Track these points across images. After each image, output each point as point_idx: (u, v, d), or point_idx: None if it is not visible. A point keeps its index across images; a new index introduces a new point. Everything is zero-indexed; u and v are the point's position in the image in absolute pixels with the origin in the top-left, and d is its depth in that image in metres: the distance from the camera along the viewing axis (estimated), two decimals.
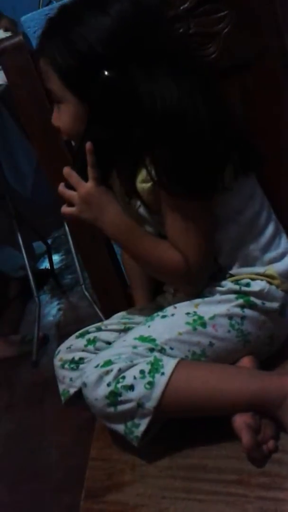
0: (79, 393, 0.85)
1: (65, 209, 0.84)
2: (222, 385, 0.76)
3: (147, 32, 0.77)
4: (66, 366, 0.88)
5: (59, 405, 0.90)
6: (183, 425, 0.78)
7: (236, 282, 0.83)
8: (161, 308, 0.91)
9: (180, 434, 0.79)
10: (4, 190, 1.97)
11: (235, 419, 0.74)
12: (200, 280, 0.84)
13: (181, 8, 0.87)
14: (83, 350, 0.89)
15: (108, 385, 0.75)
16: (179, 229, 0.80)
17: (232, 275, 0.84)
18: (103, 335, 0.91)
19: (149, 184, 0.79)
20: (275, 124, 0.91)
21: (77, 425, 1.43)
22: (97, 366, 0.77)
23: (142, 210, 0.85)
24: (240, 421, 0.73)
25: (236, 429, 0.73)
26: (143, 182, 0.80)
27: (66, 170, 0.82)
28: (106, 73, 0.74)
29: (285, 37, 0.87)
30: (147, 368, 0.75)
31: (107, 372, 0.76)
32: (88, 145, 0.78)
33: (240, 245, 0.84)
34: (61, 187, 0.83)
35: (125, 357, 0.77)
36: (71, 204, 0.83)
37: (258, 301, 0.82)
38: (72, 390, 0.87)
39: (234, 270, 0.85)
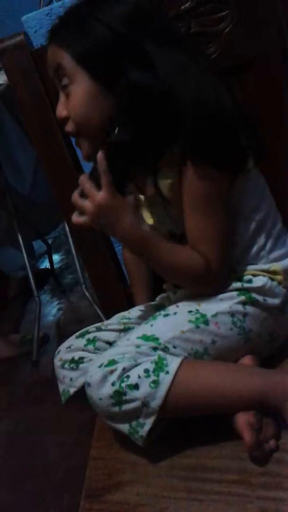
0: (79, 393, 0.85)
1: (76, 219, 0.82)
2: (226, 382, 0.76)
3: (160, 19, 0.80)
4: (66, 365, 0.88)
5: (59, 404, 0.90)
6: (183, 425, 0.78)
7: (239, 278, 0.84)
8: (161, 307, 0.92)
9: (180, 433, 0.79)
10: (3, 188, 1.97)
11: (237, 418, 0.74)
12: (220, 281, 0.83)
13: (182, 7, 0.87)
14: (83, 350, 0.89)
15: (113, 384, 0.75)
16: (201, 230, 0.80)
17: (235, 272, 0.85)
18: (103, 335, 0.91)
19: (170, 180, 0.79)
20: (275, 124, 0.91)
21: (77, 424, 1.43)
22: (101, 366, 0.77)
23: (159, 204, 0.85)
24: (242, 420, 0.73)
25: (238, 428, 0.73)
26: (165, 179, 0.80)
27: (82, 178, 0.80)
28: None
29: (287, 36, 0.87)
30: (151, 367, 0.75)
31: (111, 372, 0.75)
32: (100, 154, 0.76)
33: (249, 245, 0.85)
34: (75, 196, 0.81)
35: (129, 356, 0.77)
36: (82, 213, 0.81)
37: (259, 297, 0.82)
38: (72, 390, 0.87)
39: (238, 268, 0.85)
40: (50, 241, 2.61)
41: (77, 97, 0.80)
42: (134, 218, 0.80)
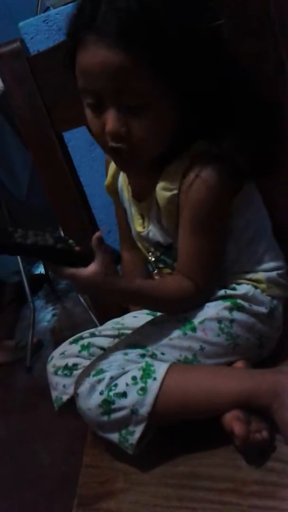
0: (72, 400, 0.84)
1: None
2: (214, 385, 0.76)
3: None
4: (59, 372, 0.88)
5: (53, 411, 0.89)
6: (176, 433, 0.78)
7: (223, 287, 0.84)
8: (155, 314, 0.92)
9: (173, 442, 0.79)
10: None
11: (225, 416, 0.74)
12: (207, 297, 0.84)
13: None
14: (77, 356, 0.88)
15: (101, 393, 0.75)
16: (192, 254, 0.81)
17: (219, 282, 0.85)
18: (97, 341, 0.91)
19: (170, 193, 0.79)
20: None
21: (70, 431, 1.42)
22: (89, 375, 0.77)
23: (153, 213, 0.85)
24: (230, 416, 0.73)
25: (227, 425, 0.73)
26: (164, 190, 0.79)
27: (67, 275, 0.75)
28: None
29: (282, 45, 0.87)
30: (139, 374, 0.75)
31: (99, 381, 0.75)
32: (97, 234, 0.76)
33: (237, 260, 0.85)
34: (54, 271, 0.76)
35: (116, 364, 0.77)
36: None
37: (245, 303, 0.83)
38: (65, 397, 0.87)
39: (222, 277, 0.85)
40: None
41: (150, 126, 0.72)
42: (121, 280, 0.79)
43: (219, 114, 0.74)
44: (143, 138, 0.73)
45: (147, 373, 0.75)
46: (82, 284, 0.76)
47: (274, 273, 0.86)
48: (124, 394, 0.74)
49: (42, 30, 1.33)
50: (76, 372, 0.86)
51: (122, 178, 0.92)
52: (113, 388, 0.75)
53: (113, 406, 0.74)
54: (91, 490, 0.79)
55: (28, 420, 1.66)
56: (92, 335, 0.92)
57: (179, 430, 0.77)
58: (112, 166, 0.93)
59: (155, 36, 0.65)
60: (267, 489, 0.70)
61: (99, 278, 0.75)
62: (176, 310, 0.84)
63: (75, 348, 0.90)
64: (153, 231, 0.87)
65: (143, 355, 0.78)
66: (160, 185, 0.79)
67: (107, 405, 0.74)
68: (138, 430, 0.75)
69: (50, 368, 0.90)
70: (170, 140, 0.76)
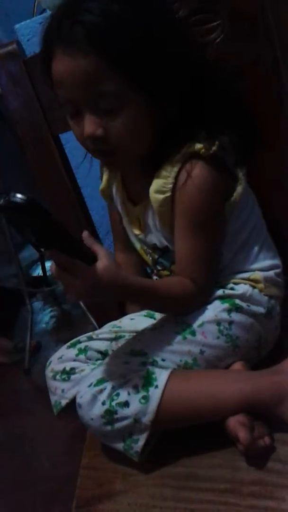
0: (71, 404, 0.84)
1: (70, 296, 0.72)
2: (215, 391, 0.76)
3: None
4: (58, 377, 0.87)
5: (51, 413, 0.89)
6: (174, 434, 0.78)
7: (220, 287, 0.84)
8: (152, 316, 0.92)
9: (171, 443, 0.78)
10: None
11: (228, 421, 0.74)
12: (207, 297, 0.84)
13: None
14: (74, 360, 0.88)
15: (103, 403, 0.75)
16: (191, 253, 0.81)
17: (217, 282, 0.85)
18: (95, 344, 0.91)
19: (163, 196, 0.79)
20: (268, 131, 0.91)
21: (68, 433, 1.42)
22: (90, 385, 0.76)
23: (148, 216, 0.85)
24: (234, 421, 0.73)
25: (231, 430, 0.73)
26: (157, 193, 0.79)
27: (66, 261, 0.69)
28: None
29: (277, 45, 0.88)
30: (140, 382, 0.75)
31: (101, 391, 0.75)
32: (86, 233, 0.72)
33: (233, 260, 0.85)
34: (56, 272, 0.71)
35: (118, 373, 0.77)
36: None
37: (243, 304, 0.83)
38: (64, 402, 0.87)
39: (220, 278, 0.85)
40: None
41: (127, 125, 0.73)
42: (125, 275, 0.74)
43: (195, 113, 0.76)
44: (121, 139, 0.74)
45: (148, 381, 0.75)
46: (93, 281, 0.69)
47: (271, 272, 0.87)
48: (126, 404, 0.74)
49: (39, 32, 1.32)
50: (74, 376, 0.86)
51: (117, 183, 0.92)
52: (115, 397, 0.74)
53: (116, 416, 0.74)
54: (90, 492, 0.79)
55: (26, 422, 1.66)
56: (90, 338, 0.92)
57: (177, 431, 0.77)
58: (107, 171, 0.94)
59: (117, 39, 0.68)
60: (266, 489, 0.70)
61: (113, 273, 0.71)
62: (181, 310, 0.83)
63: (73, 352, 0.90)
64: (149, 234, 0.87)
65: (144, 363, 0.78)
66: (153, 188, 0.79)
67: (109, 415, 0.74)
68: (142, 438, 0.75)
69: (48, 373, 0.89)
70: (152, 139, 0.77)
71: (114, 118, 0.73)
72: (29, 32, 1.34)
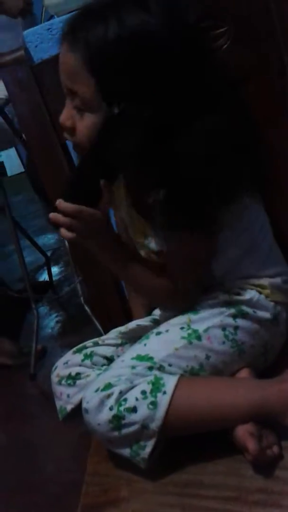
0: (76, 409, 0.84)
1: (66, 233, 0.77)
2: (224, 398, 0.76)
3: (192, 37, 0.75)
4: (63, 382, 0.88)
5: (56, 419, 0.89)
6: (179, 441, 0.77)
7: (227, 292, 0.84)
8: (158, 322, 0.92)
9: (176, 450, 0.78)
10: (3, 202, 1.97)
11: (237, 430, 0.73)
12: (185, 302, 0.85)
13: None
14: (80, 365, 0.88)
15: (110, 409, 0.74)
16: (175, 255, 0.82)
17: (223, 286, 0.85)
18: (100, 350, 0.91)
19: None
20: (273, 136, 0.92)
21: (74, 439, 1.41)
22: (97, 390, 0.76)
23: (151, 223, 0.85)
24: (242, 431, 0.73)
25: (240, 440, 0.73)
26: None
27: (72, 208, 0.75)
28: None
29: (283, 50, 0.88)
30: (148, 388, 0.75)
31: (108, 396, 0.75)
32: (104, 183, 0.75)
33: (238, 265, 0.85)
34: (54, 216, 0.77)
35: (124, 378, 0.76)
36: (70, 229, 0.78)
37: (249, 310, 0.83)
38: (69, 407, 0.87)
39: (226, 282, 0.86)
40: (49, 253, 2.61)
41: (88, 128, 0.76)
42: (120, 238, 0.84)
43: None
44: (81, 138, 0.78)
45: (156, 386, 0.75)
46: (99, 223, 0.77)
47: (278, 279, 0.86)
48: (134, 409, 0.74)
49: (46, 39, 1.33)
50: (79, 382, 0.86)
51: (122, 190, 0.92)
52: (122, 403, 0.74)
53: (123, 422, 0.74)
54: (95, 499, 0.79)
55: (32, 427, 1.66)
56: (96, 344, 0.92)
57: (182, 438, 0.77)
58: None
59: (104, 54, 0.71)
60: (271, 497, 0.69)
61: (104, 224, 0.78)
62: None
63: (79, 357, 0.90)
64: (152, 240, 0.87)
65: (150, 368, 0.78)
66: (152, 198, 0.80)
67: (117, 421, 0.74)
68: (149, 445, 0.74)
69: (54, 378, 0.89)
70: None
71: (81, 117, 0.77)
72: (37, 39, 1.35)
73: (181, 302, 0.84)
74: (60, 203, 0.76)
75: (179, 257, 0.82)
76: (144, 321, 0.97)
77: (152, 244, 0.87)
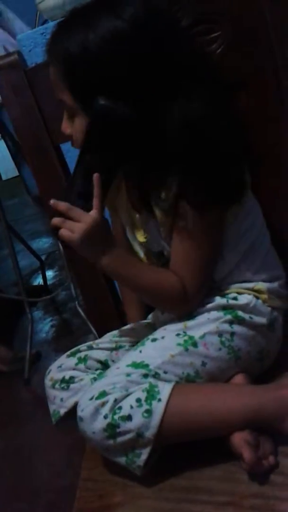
0: (70, 413, 0.84)
1: (65, 232, 0.78)
2: (219, 405, 0.75)
3: (164, 37, 0.75)
4: (57, 386, 0.87)
5: (50, 423, 0.89)
6: (174, 447, 0.77)
7: (224, 296, 0.84)
8: (152, 326, 0.91)
9: (171, 455, 0.78)
10: None
11: (233, 438, 0.73)
12: (194, 305, 0.84)
13: None
14: (73, 369, 0.88)
15: (105, 417, 0.74)
16: (183, 256, 0.81)
17: (220, 290, 0.85)
18: (94, 354, 0.90)
19: (165, 207, 0.79)
20: (269, 141, 0.92)
21: (68, 444, 1.41)
22: (91, 398, 0.76)
23: (152, 224, 0.85)
24: (239, 438, 0.72)
25: (236, 448, 0.72)
26: (159, 204, 0.80)
27: (64, 206, 0.78)
28: (102, 102, 0.74)
29: (278, 55, 0.88)
30: (143, 395, 0.74)
31: (103, 404, 0.74)
32: (96, 176, 0.77)
33: (236, 268, 0.85)
34: (56, 220, 0.78)
35: (119, 386, 0.76)
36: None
37: (245, 316, 0.82)
38: (62, 411, 0.86)
39: (223, 286, 0.85)
40: (43, 257, 2.61)
41: (78, 131, 0.80)
42: (118, 241, 0.84)
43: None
44: (78, 144, 0.80)
45: (151, 394, 0.74)
46: (94, 224, 0.77)
47: (275, 284, 0.86)
48: (129, 417, 0.73)
49: (40, 43, 1.33)
50: (73, 386, 0.86)
51: (121, 191, 0.92)
52: (117, 411, 0.74)
53: (118, 430, 0.73)
54: (89, 504, 0.78)
55: (26, 432, 1.65)
56: (90, 348, 0.92)
57: (177, 444, 0.76)
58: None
59: (79, 68, 0.75)
60: (267, 502, 0.69)
61: (100, 220, 0.78)
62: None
63: (72, 361, 0.89)
64: (153, 242, 0.87)
65: (145, 375, 0.77)
66: (159, 199, 0.80)
67: (112, 429, 0.73)
68: (145, 452, 0.74)
69: (47, 382, 0.89)
70: None
71: (73, 123, 0.81)
72: (31, 43, 1.35)
73: (190, 305, 0.83)
74: (53, 202, 0.79)
75: (184, 257, 0.81)
76: (138, 325, 0.97)
77: (153, 245, 0.87)
